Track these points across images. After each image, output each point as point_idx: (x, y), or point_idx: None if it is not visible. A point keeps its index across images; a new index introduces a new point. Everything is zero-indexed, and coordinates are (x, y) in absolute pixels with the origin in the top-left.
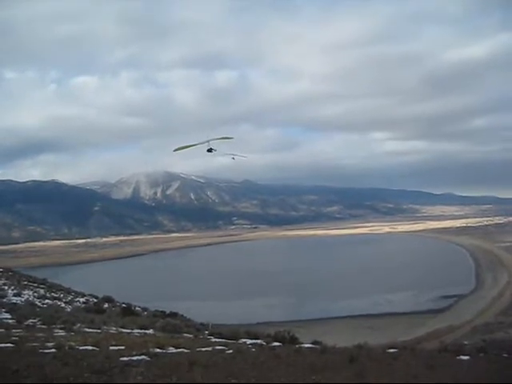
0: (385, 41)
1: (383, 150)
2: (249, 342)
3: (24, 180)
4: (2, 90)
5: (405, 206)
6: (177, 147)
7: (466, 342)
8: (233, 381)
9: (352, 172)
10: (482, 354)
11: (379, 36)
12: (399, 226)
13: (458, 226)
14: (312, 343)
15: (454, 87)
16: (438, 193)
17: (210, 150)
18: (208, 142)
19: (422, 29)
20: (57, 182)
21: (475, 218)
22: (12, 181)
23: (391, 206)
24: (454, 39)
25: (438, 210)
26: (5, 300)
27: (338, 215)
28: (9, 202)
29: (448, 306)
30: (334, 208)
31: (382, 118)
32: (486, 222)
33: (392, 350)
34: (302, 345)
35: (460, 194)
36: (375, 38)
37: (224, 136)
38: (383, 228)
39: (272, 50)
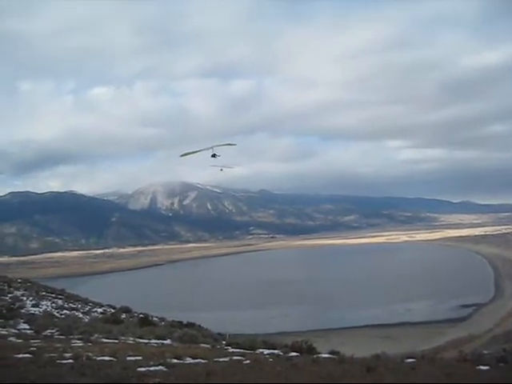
0: (400, 47)
1: (400, 158)
2: (266, 352)
3: (42, 191)
4: (18, 103)
5: (422, 215)
6: (183, 153)
7: (485, 352)
8: None
9: (369, 181)
10: (501, 364)
11: (394, 42)
12: (417, 235)
13: (477, 234)
14: (329, 353)
15: (470, 93)
16: (455, 201)
17: (213, 156)
18: (212, 148)
19: (438, 34)
20: (74, 193)
21: (493, 226)
22: (30, 192)
23: (408, 214)
24: (470, 45)
25: (455, 218)
26: (23, 310)
27: (354, 224)
28: (27, 214)
29: (467, 315)
30: (351, 217)
31: (398, 126)
32: (504, 230)
33: (410, 360)
34: (320, 355)
35: (478, 202)
36: (390, 44)
37: (227, 143)
38: (401, 237)
39: (287, 58)
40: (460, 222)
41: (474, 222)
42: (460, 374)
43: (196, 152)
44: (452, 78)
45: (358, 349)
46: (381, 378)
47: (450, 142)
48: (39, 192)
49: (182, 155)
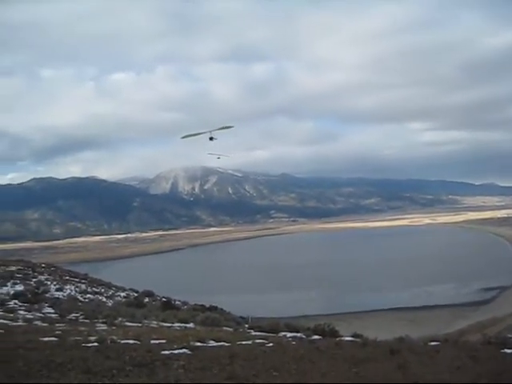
0: (420, 28)
1: (421, 140)
2: (289, 335)
3: (64, 177)
4: (40, 89)
5: (444, 197)
6: (184, 135)
7: (509, 335)
8: (274, 373)
9: (390, 163)
10: None
11: (414, 24)
12: (439, 218)
13: (500, 216)
14: (352, 336)
15: (492, 75)
16: (478, 183)
17: (211, 139)
18: (210, 131)
19: (458, 15)
20: (96, 179)
21: None
22: (53, 178)
23: (430, 197)
24: (490, 25)
25: (478, 200)
26: (48, 295)
27: (376, 207)
28: (50, 199)
29: (491, 298)
30: (372, 200)
31: (419, 108)
32: None
33: (434, 343)
34: (342, 338)
35: (501, 185)
36: (410, 25)
37: (225, 126)
38: (423, 220)
39: (307, 40)
40: (483, 204)
41: (497, 204)
42: (485, 357)
43: (197, 135)
44: (473, 59)
45: (381, 332)
46: (405, 361)
47: (472, 124)
48: (61, 178)
49: (183, 137)
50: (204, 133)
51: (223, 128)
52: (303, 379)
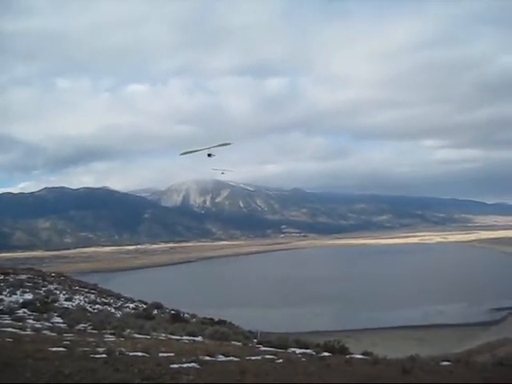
0: (437, 46)
1: (435, 158)
2: (298, 351)
3: (77, 187)
4: (56, 99)
5: (456, 216)
6: (183, 151)
7: None
8: None
9: (402, 180)
10: None
11: (431, 41)
12: (450, 236)
13: None
14: (362, 354)
15: (508, 93)
16: (490, 202)
17: (209, 155)
18: (209, 148)
19: (476, 33)
20: (108, 189)
21: None
22: (65, 188)
23: (442, 215)
24: (509, 43)
25: (490, 219)
26: (57, 304)
27: (387, 224)
28: (62, 209)
29: (501, 319)
30: (384, 217)
31: (433, 126)
32: None
33: (446, 363)
34: (353, 355)
35: None
36: (427, 42)
37: (223, 143)
38: (434, 238)
39: (323, 56)
40: (495, 223)
41: (510, 223)
42: (497, 378)
43: (196, 151)
44: (490, 77)
45: (390, 350)
46: (418, 381)
47: (486, 143)
48: (74, 188)
49: (181, 153)
50: (203, 149)
51: (222, 145)
52: None
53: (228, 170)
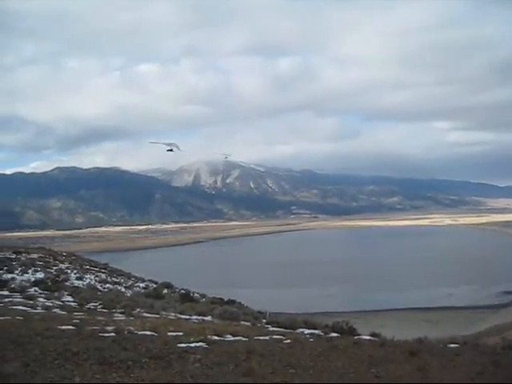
0: (449, 26)
1: (447, 140)
2: (306, 331)
3: (88, 167)
4: (65, 79)
5: (468, 198)
6: (152, 141)
7: None
8: (291, 371)
9: (414, 162)
10: None
11: (444, 21)
12: (461, 219)
13: None
14: (370, 335)
15: None
16: (502, 185)
17: (170, 150)
18: (172, 143)
19: (488, 14)
20: (119, 169)
21: None
22: (76, 168)
23: (453, 197)
24: None
25: (502, 202)
26: (67, 283)
27: (398, 206)
28: (73, 189)
29: (510, 302)
30: (395, 199)
31: (446, 107)
32: None
33: (453, 345)
34: (361, 336)
35: None
36: (439, 23)
37: (174, 144)
38: (445, 220)
39: (335, 36)
40: (506, 206)
41: None
42: (506, 362)
43: (162, 144)
44: (503, 58)
45: (398, 331)
46: (425, 363)
47: (499, 125)
48: (85, 168)
49: (151, 142)
50: (169, 144)
51: (170, 144)
52: (320, 379)
53: (227, 155)
